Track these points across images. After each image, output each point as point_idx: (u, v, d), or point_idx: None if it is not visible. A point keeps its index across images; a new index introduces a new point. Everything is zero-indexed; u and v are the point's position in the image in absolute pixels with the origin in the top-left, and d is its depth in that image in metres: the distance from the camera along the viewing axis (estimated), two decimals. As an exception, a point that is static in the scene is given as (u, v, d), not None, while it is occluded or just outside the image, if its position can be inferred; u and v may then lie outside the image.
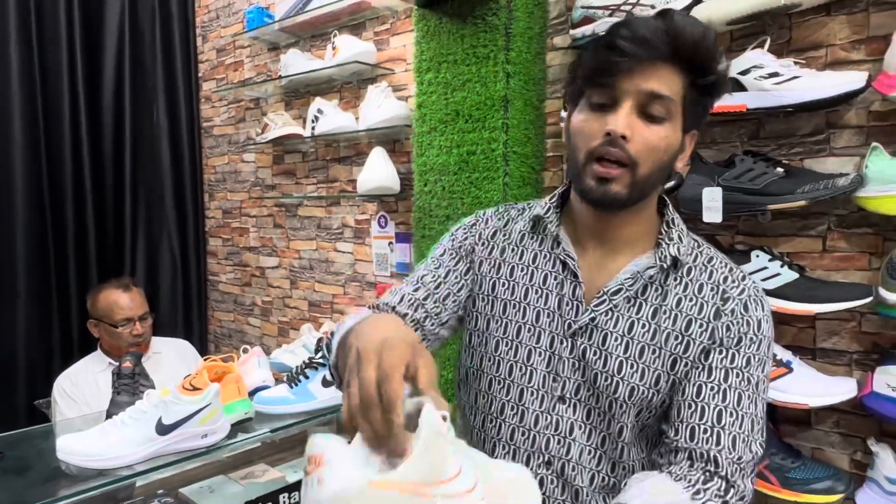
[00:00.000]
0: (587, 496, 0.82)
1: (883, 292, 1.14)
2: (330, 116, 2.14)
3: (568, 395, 0.82)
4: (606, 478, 0.83)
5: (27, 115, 2.50)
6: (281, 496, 1.42)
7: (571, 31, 1.53)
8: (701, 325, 0.79)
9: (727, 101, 1.28)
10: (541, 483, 0.82)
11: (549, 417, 0.83)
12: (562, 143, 1.69)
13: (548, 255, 0.87)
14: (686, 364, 0.78)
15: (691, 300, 0.80)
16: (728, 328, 0.78)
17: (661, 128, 0.75)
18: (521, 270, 0.88)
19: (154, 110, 2.91)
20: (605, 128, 0.74)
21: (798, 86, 1.21)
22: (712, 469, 0.72)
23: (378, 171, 1.99)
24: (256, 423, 1.43)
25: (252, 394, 1.48)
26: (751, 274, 1.27)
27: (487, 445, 0.88)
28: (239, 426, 1.39)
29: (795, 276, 1.24)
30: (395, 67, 2.10)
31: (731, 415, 0.74)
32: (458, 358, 0.96)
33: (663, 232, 0.83)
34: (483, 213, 0.97)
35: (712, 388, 0.76)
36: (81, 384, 1.94)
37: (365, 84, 2.15)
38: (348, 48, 2.08)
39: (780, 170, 1.25)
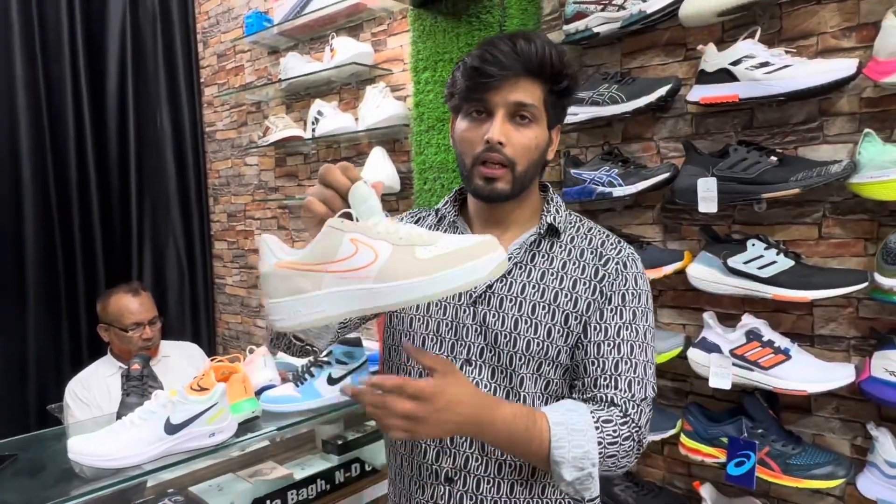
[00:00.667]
0: (493, 449, 0.91)
1: (878, 278, 1.15)
2: (330, 118, 2.16)
3: (473, 358, 0.93)
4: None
5: (33, 125, 2.55)
6: (289, 493, 1.44)
7: (565, 27, 1.55)
8: (584, 284, 0.92)
9: (718, 92, 1.29)
10: (451, 440, 0.92)
11: None
12: (559, 138, 1.70)
13: None
14: (577, 319, 0.91)
15: (574, 263, 0.94)
16: (611, 285, 0.92)
17: (529, 130, 0.89)
18: None
19: (158, 117, 2.94)
20: (485, 136, 0.88)
21: (789, 74, 1.22)
22: (610, 403, 0.88)
23: (378, 171, 2.01)
24: (263, 421, 1.45)
25: (259, 393, 1.50)
26: (747, 263, 1.28)
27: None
28: (246, 425, 1.42)
29: (791, 263, 1.25)
30: (393, 67, 2.12)
31: (626, 363, 0.89)
32: (383, 340, 1.08)
33: (544, 209, 0.98)
34: (401, 216, 1.12)
35: (608, 344, 0.90)
36: (93, 388, 1.97)
37: (364, 85, 2.17)
38: (346, 50, 2.10)
39: (773, 158, 1.26)
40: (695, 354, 1.36)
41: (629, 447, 0.85)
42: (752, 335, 1.29)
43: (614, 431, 0.84)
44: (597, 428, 0.83)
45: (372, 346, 1.84)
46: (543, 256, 0.94)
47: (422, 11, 1.72)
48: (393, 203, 2.17)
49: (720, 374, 1.31)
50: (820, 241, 1.30)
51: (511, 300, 0.92)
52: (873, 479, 1.19)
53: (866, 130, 1.17)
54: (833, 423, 1.31)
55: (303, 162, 2.54)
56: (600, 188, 1.49)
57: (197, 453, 1.28)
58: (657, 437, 1.44)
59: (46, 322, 2.62)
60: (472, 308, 0.93)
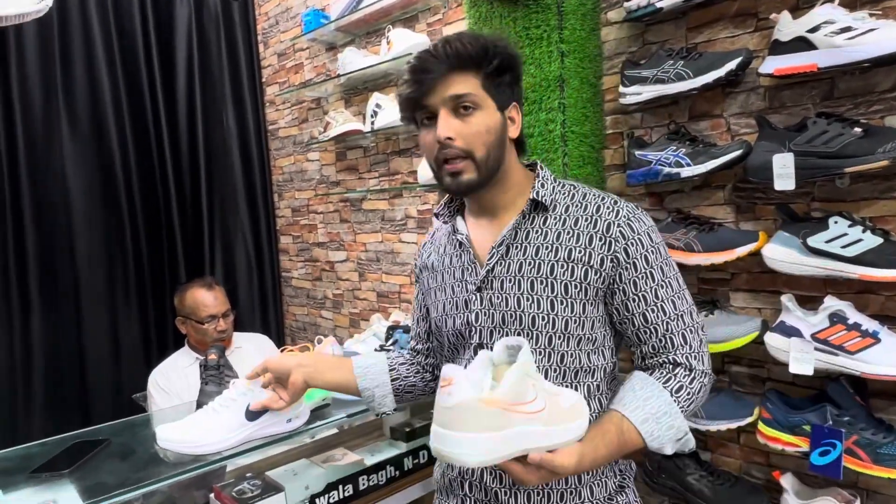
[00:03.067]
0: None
1: (980, 253, 1.06)
2: (388, 110, 2.18)
3: (484, 342, 0.98)
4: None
5: (118, 131, 2.73)
6: (360, 478, 1.47)
7: (626, 4, 1.50)
8: (580, 252, 0.94)
9: (795, 62, 1.22)
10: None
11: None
12: (622, 119, 1.66)
13: (452, 240, 1.07)
14: (577, 287, 0.93)
15: (569, 233, 0.95)
16: (628, 251, 0.93)
17: (474, 117, 0.92)
18: (439, 262, 1.09)
19: (224, 117, 3.06)
20: (437, 137, 0.92)
21: (874, 38, 1.14)
22: (675, 364, 0.93)
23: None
24: (334, 408, 1.49)
25: (328, 381, 1.54)
26: (829, 242, 1.21)
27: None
28: (318, 412, 1.46)
29: (880, 241, 1.17)
30: (449, 57, 2.11)
31: (672, 319, 0.94)
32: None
33: (534, 187, 0.99)
34: (426, 241, 1.18)
35: (653, 311, 0.94)
36: (173, 378, 2.08)
37: (420, 76, 2.17)
38: (402, 41, 2.11)
39: (857, 129, 1.18)
40: (773, 339, 1.30)
41: (703, 393, 0.93)
42: (836, 318, 1.22)
43: (688, 393, 0.91)
44: (675, 400, 0.90)
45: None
46: (537, 231, 0.97)
47: (477, -2, 1.70)
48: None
49: (801, 360, 1.25)
50: (911, 216, 1.21)
51: (510, 280, 0.96)
52: (977, 470, 1.11)
53: (964, 95, 1.08)
54: (929, 410, 1.23)
55: (363, 155, 2.57)
56: (667, 169, 1.44)
57: (273, 439, 1.33)
58: (733, 424, 1.38)
59: (135, 315, 2.81)
60: (478, 294, 0.99)
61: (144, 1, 2.79)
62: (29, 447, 1.42)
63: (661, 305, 0.94)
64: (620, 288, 0.94)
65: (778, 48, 1.26)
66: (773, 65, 1.26)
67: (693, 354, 0.93)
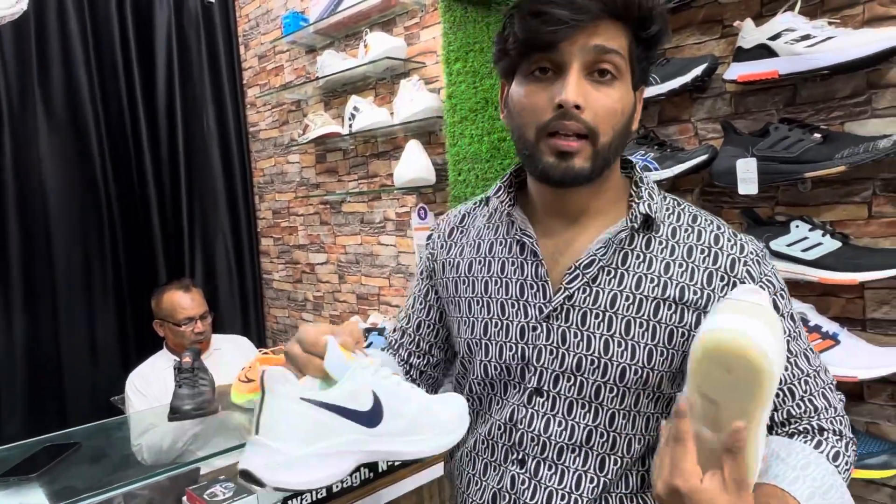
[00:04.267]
0: (567, 497, 0.75)
1: (934, 257, 1.09)
2: (366, 113, 2.19)
3: (546, 388, 0.75)
4: (595, 478, 0.75)
5: (96, 131, 2.71)
6: (334, 480, 1.48)
7: (596, 10, 1.52)
8: (695, 293, 0.73)
9: (757, 69, 1.24)
10: (511, 482, 0.78)
11: (524, 411, 0.77)
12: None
13: (503, 240, 0.82)
14: (683, 336, 0.73)
15: (681, 265, 0.74)
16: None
17: (613, 89, 0.69)
18: (479, 263, 0.83)
19: (204, 119, 3.04)
20: (555, 99, 0.67)
21: (833, 46, 1.17)
22: (820, 430, 0.72)
23: (414, 164, 2.03)
24: (307, 411, 1.49)
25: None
26: (790, 245, 1.24)
27: (471, 438, 0.85)
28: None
29: (838, 244, 1.20)
30: (426, 60, 2.13)
31: (811, 377, 0.73)
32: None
33: (633, 193, 0.78)
34: (441, 219, 0.94)
35: (787, 370, 0.72)
36: (151, 380, 2.07)
37: (398, 79, 2.19)
38: (380, 45, 2.12)
39: (817, 136, 1.20)
40: (738, 340, 1.32)
41: (854, 456, 0.73)
42: (798, 320, 1.25)
43: (846, 461, 0.71)
44: (836, 470, 0.69)
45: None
46: (638, 257, 0.74)
47: (452, 2, 1.72)
48: (430, 195, 2.18)
49: (765, 361, 1.27)
50: (870, 220, 1.24)
51: (598, 315, 0.73)
52: (932, 468, 1.14)
53: (918, 102, 1.11)
54: (888, 410, 1.26)
55: (342, 158, 2.58)
56: (636, 173, 1.46)
57: (245, 442, 1.33)
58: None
59: (113, 317, 2.79)
60: (544, 324, 0.75)
61: (123, 3, 2.77)
62: (-2, 451, 1.41)
63: (795, 361, 0.72)
64: None
65: (741, 55, 1.28)
66: (737, 71, 1.29)
67: (838, 418, 0.73)
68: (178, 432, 1.49)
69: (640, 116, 0.77)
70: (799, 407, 0.72)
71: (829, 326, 1.23)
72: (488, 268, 0.82)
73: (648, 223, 0.75)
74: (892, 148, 1.11)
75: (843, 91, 1.25)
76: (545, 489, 0.76)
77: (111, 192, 2.76)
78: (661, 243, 0.75)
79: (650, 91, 1.42)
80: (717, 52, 1.41)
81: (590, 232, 0.77)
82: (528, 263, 0.78)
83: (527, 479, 0.77)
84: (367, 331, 1.75)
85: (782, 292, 0.75)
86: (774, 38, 1.22)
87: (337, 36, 2.48)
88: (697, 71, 1.35)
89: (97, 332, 2.74)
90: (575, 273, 0.74)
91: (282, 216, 3.02)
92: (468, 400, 0.80)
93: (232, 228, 3.12)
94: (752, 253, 0.74)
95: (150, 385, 2.06)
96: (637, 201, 0.75)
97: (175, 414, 1.50)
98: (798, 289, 1.32)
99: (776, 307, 0.72)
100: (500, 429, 0.79)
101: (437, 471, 1.66)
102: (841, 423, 0.73)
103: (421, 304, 0.93)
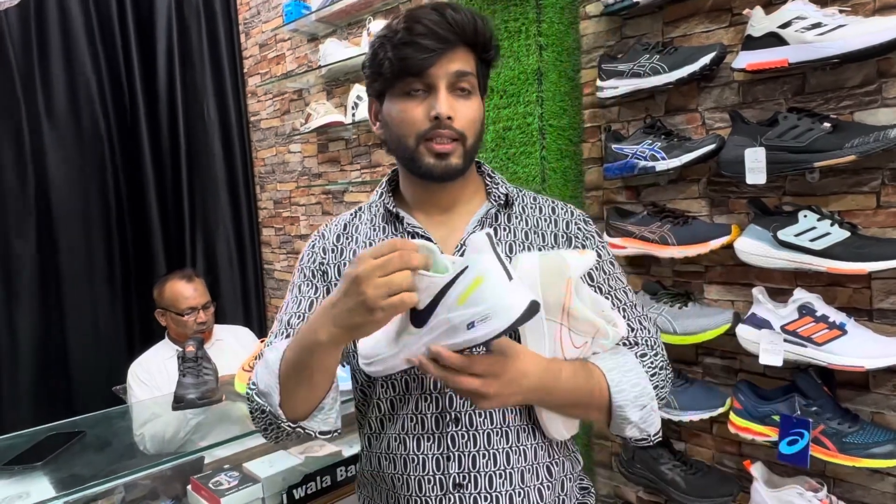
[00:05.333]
0: (501, 432, 0.86)
1: (943, 247, 1.09)
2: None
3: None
4: (514, 408, 0.87)
5: (105, 121, 2.73)
6: (338, 469, 1.48)
7: (603, -2, 1.51)
8: (548, 249, 0.92)
9: (766, 57, 1.23)
10: (453, 441, 0.85)
11: None
12: (600, 113, 1.67)
13: (392, 236, 0.92)
14: None
15: (534, 232, 0.93)
16: (584, 246, 0.93)
17: (472, 102, 0.86)
18: None
19: (205, 108, 3.03)
20: (431, 112, 0.83)
21: (843, 35, 1.16)
22: (635, 344, 0.90)
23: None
24: (311, 400, 1.49)
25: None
26: (798, 235, 1.23)
27: (394, 423, 0.88)
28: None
29: (846, 234, 1.19)
30: (430, 49, 2.11)
31: (629, 307, 0.92)
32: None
33: (489, 182, 0.96)
34: (319, 230, 1.01)
35: (608, 298, 0.89)
36: (152, 370, 2.07)
37: (401, 68, 2.17)
38: (383, 33, 2.10)
39: (826, 125, 1.20)
40: (744, 331, 1.32)
41: (666, 375, 0.89)
42: (805, 310, 1.25)
43: (651, 363, 0.87)
44: (640, 363, 0.85)
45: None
46: (505, 229, 0.93)
47: (457, -10, 1.70)
48: (433, 185, 2.17)
49: (771, 351, 1.27)
50: (878, 210, 1.24)
51: None
52: (937, 458, 1.14)
53: (929, 91, 1.10)
54: (893, 400, 1.26)
55: (344, 147, 2.57)
56: (643, 163, 1.45)
57: (252, 432, 1.33)
58: (705, 415, 1.41)
59: (118, 306, 2.81)
60: None
61: (124, -10, 2.75)
62: (1, 440, 1.41)
63: (615, 293, 0.92)
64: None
65: (750, 43, 1.27)
66: (746, 60, 1.28)
67: (651, 338, 0.92)
68: (180, 422, 1.49)
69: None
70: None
71: (836, 316, 1.23)
72: None
73: (508, 202, 0.94)
74: (903, 137, 1.10)
75: (852, 80, 1.24)
76: (483, 432, 0.86)
77: (112, 183, 2.75)
78: (517, 217, 0.95)
79: (658, 80, 1.41)
80: (725, 41, 1.39)
81: (463, 217, 0.93)
82: None
83: (465, 433, 0.86)
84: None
85: (602, 244, 0.96)
86: (785, 26, 1.21)
87: (339, 24, 2.45)
88: (706, 60, 1.34)
89: (100, 322, 2.74)
90: (462, 249, 0.89)
91: (283, 206, 3.01)
92: (382, 390, 0.89)
93: (233, 218, 3.11)
94: (580, 215, 0.97)
95: (152, 375, 2.06)
96: (494, 187, 0.95)
97: (179, 403, 1.50)
98: (805, 278, 1.32)
99: (600, 255, 0.93)
100: (426, 401, 0.87)
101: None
102: (655, 344, 0.91)
103: (310, 302, 0.94)
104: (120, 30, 2.75)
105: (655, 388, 0.85)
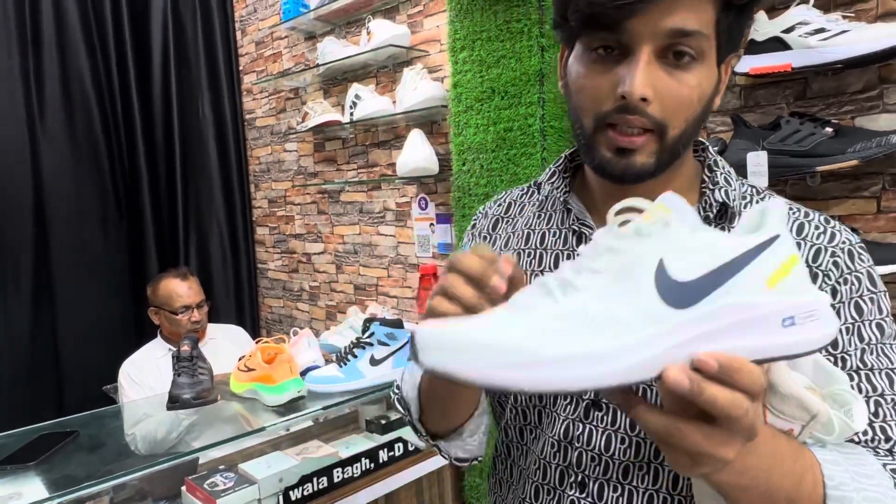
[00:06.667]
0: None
1: (943, 252, 1.10)
2: (367, 101, 2.16)
3: (605, 400, 0.65)
4: (668, 497, 0.63)
5: (94, 121, 2.68)
6: (334, 471, 1.46)
7: (606, 0, 1.50)
8: None
9: (769, 62, 1.24)
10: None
11: (580, 427, 0.66)
12: (600, 115, 1.67)
13: (557, 231, 0.72)
14: None
15: None
16: (836, 291, 0.59)
17: (690, 75, 0.56)
18: (528, 256, 0.73)
19: (200, 105, 3.00)
20: (618, 90, 0.56)
21: (846, 40, 1.16)
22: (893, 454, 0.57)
23: (416, 154, 2.01)
24: (308, 401, 1.48)
25: (303, 374, 1.53)
26: (800, 239, 1.23)
27: (522, 455, 0.74)
28: (292, 404, 1.45)
29: (848, 239, 1.20)
30: (430, 49, 2.11)
31: (887, 403, 0.58)
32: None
33: (706, 179, 0.66)
34: (483, 208, 0.84)
35: (855, 378, 0.58)
36: (144, 369, 2.05)
37: (400, 67, 2.16)
38: (383, 32, 2.09)
39: (828, 129, 1.20)
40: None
41: None
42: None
43: None
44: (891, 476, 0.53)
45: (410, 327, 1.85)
46: None
47: (458, -10, 1.70)
48: (432, 186, 2.16)
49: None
50: (879, 215, 1.24)
51: None
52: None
53: (931, 97, 1.11)
54: None
55: (341, 146, 2.55)
56: (644, 165, 1.45)
57: (249, 432, 1.32)
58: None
59: (111, 305, 2.78)
60: None
61: (119, -15, 2.73)
62: (-7, 439, 1.39)
63: (868, 376, 0.58)
64: None
65: (753, 47, 1.27)
66: (749, 64, 1.28)
67: None
68: (172, 422, 1.47)
69: (724, 89, 0.64)
70: (866, 434, 0.57)
71: (837, 321, 1.23)
72: (539, 261, 0.72)
73: (724, 212, 0.64)
74: (905, 143, 1.11)
75: (854, 85, 1.25)
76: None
77: (106, 179, 2.72)
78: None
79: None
80: (727, 45, 1.40)
81: None
82: None
83: None
84: (368, 321, 1.73)
85: (872, 295, 0.60)
86: (788, 31, 1.22)
87: (338, 23, 2.44)
88: (709, 63, 1.35)
89: (92, 320, 2.71)
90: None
91: (278, 205, 2.99)
92: (512, 414, 0.73)
93: (227, 217, 3.09)
94: (844, 245, 0.61)
95: (144, 374, 2.03)
96: (711, 188, 0.64)
97: (174, 403, 1.47)
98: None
99: (859, 308, 0.60)
100: (553, 447, 0.68)
101: (437, 462, 1.65)
102: None
103: None
104: (114, 25, 2.72)
105: None
